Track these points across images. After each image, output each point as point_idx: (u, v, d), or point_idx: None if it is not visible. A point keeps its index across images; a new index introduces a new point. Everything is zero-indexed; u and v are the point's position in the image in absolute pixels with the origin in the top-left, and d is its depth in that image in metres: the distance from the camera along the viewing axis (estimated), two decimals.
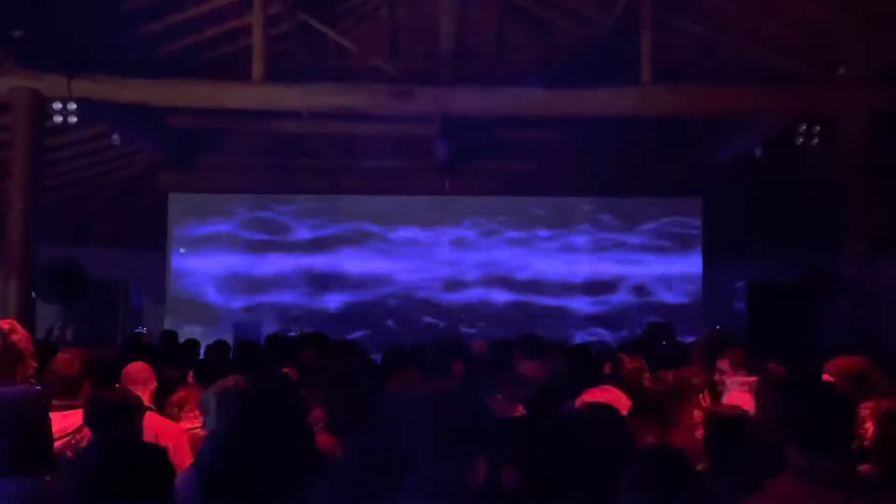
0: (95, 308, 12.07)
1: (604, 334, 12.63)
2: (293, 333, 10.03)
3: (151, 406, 4.22)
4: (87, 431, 3.53)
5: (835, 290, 8.96)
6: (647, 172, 12.55)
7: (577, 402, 3.53)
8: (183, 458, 3.73)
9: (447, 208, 13.22)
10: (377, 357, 6.31)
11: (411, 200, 13.18)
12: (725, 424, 3.30)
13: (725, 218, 12.33)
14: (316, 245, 13.11)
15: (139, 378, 4.34)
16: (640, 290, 12.30)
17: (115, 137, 10.37)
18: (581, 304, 13.05)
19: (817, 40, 9.00)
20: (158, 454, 2.54)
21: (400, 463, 1.98)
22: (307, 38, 11.04)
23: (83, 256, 12.07)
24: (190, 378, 5.29)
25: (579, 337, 12.28)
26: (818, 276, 9.52)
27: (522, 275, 13.09)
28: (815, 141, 9.22)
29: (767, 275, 12.25)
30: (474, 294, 13.07)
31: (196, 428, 4.18)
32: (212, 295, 12.98)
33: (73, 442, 3.53)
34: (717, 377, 4.85)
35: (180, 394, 4.56)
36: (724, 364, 4.87)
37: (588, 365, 5.67)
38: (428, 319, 12.66)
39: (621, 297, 12.99)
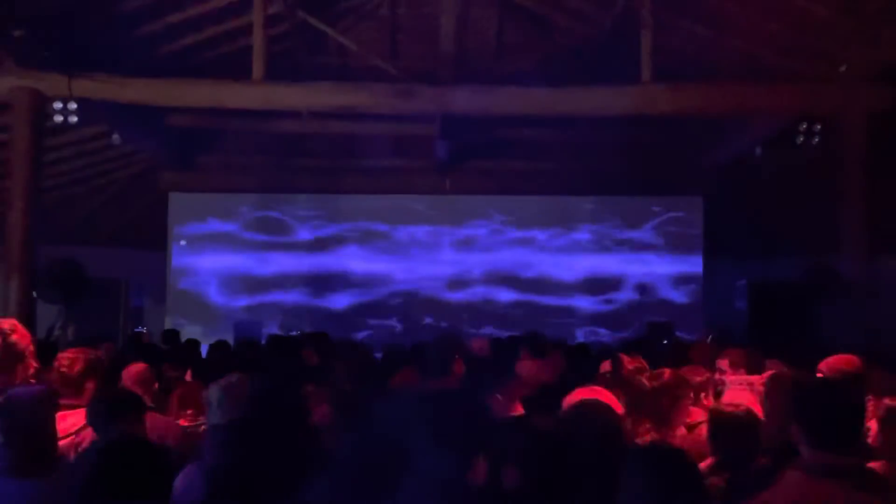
0: (96, 308, 12.07)
1: (604, 333, 12.63)
2: (294, 333, 10.04)
3: (153, 406, 4.22)
4: (88, 432, 3.53)
5: (835, 289, 8.96)
6: (648, 172, 12.55)
7: (565, 403, 3.54)
8: (186, 458, 3.74)
9: (448, 208, 13.22)
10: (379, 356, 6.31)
11: (412, 200, 13.18)
12: (731, 421, 3.30)
13: (726, 217, 12.33)
14: (317, 245, 13.12)
15: (140, 378, 4.35)
16: (640, 289, 12.30)
17: (116, 137, 10.37)
18: (581, 304, 13.06)
19: (817, 40, 8.99)
20: (159, 454, 2.54)
21: (399, 462, 1.98)
22: (307, 37, 11.04)
23: (84, 256, 12.08)
24: (188, 377, 5.29)
25: (580, 336, 12.30)
26: (818, 275, 9.52)
27: (523, 274, 13.10)
28: (816, 140, 9.22)
29: (768, 274, 12.25)
30: (476, 293, 13.07)
31: (198, 426, 4.18)
32: (212, 294, 12.99)
33: (76, 442, 3.54)
34: (716, 377, 4.86)
35: (181, 393, 4.57)
36: (723, 364, 4.87)
37: (585, 364, 5.68)
38: (431, 319, 12.66)
39: (622, 296, 12.99)
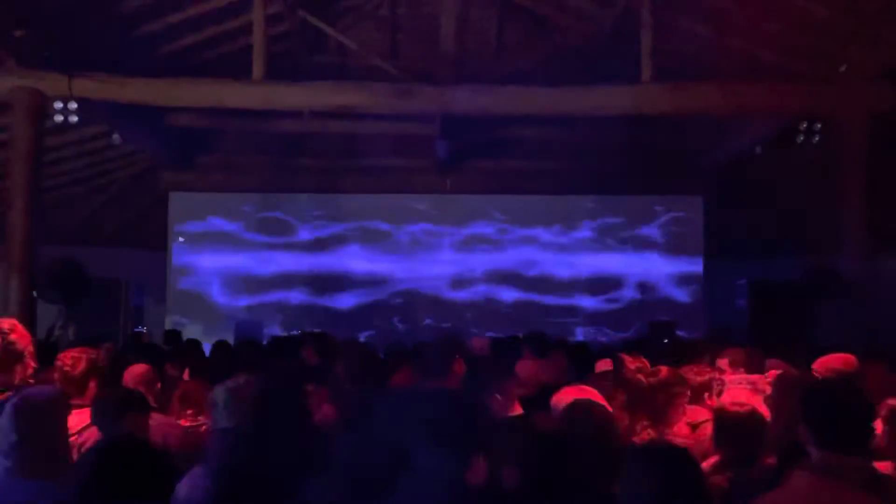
0: (96, 307, 12.08)
1: (605, 333, 12.63)
2: (295, 332, 10.03)
3: (156, 406, 4.22)
4: (91, 432, 3.54)
5: (835, 289, 8.96)
6: (648, 171, 12.55)
7: (554, 401, 3.56)
8: (189, 458, 3.74)
9: (449, 207, 13.23)
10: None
11: (413, 199, 13.18)
12: (735, 420, 3.30)
13: (726, 216, 12.34)
14: (317, 244, 13.12)
15: (142, 378, 4.34)
16: (641, 288, 12.30)
17: (116, 137, 10.38)
18: (582, 303, 13.06)
19: (817, 40, 9.00)
20: (158, 455, 2.54)
21: (398, 462, 1.98)
22: (307, 37, 11.04)
23: (84, 256, 12.09)
24: (185, 376, 5.29)
25: (580, 335, 12.30)
26: (818, 275, 9.52)
27: (524, 274, 13.10)
28: (816, 140, 9.22)
29: (768, 273, 12.26)
30: (477, 293, 13.07)
31: (198, 426, 4.18)
32: (213, 294, 12.99)
33: (79, 443, 3.54)
34: (716, 376, 4.86)
35: (181, 393, 4.57)
36: (723, 363, 4.87)
37: (585, 364, 5.68)
38: (432, 318, 12.66)
39: (622, 295, 12.99)
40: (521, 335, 7.99)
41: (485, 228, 13.19)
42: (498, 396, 3.75)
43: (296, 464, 2.80)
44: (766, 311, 12.04)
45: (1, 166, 9.45)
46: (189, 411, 4.36)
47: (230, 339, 10.27)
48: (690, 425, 4.06)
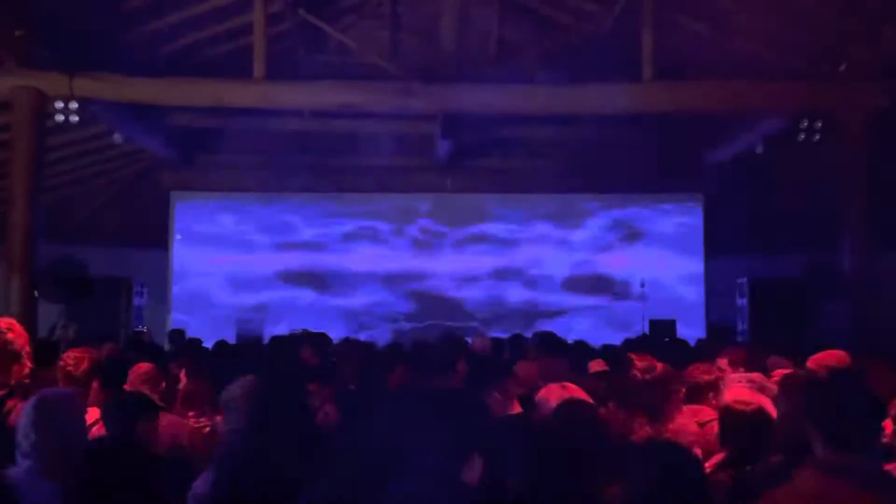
0: (98, 307, 12.11)
1: (606, 331, 12.62)
2: (295, 332, 10.03)
3: (163, 405, 4.21)
4: (94, 431, 3.54)
5: (835, 286, 8.97)
6: (649, 170, 12.56)
7: (539, 397, 3.58)
8: (199, 458, 3.74)
9: (451, 207, 13.23)
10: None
11: (414, 198, 13.19)
12: (741, 418, 3.31)
13: (727, 214, 12.34)
14: (318, 243, 13.13)
15: (148, 378, 4.32)
16: (641, 286, 12.30)
17: (117, 136, 10.37)
18: (582, 301, 13.06)
19: (818, 37, 9.00)
20: (150, 459, 2.54)
21: (396, 461, 1.99)
22: (308, 36, 11.03)
23: (85, 255, 12.13)
24: (182, 375, 5.28)
25: (581, 334, 12.28)
26: (819, 272, 9.53)
27: (524, 272, 13.10)
28: (817, 137, 9.22)
29: (769, 271, 12.26)
30: (478, 292, 13.08)
31: (201, 427, 4.18)
32: (214, 293, 12.99)
33: None
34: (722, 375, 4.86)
35: (183, 394, 4.56)
36: (722, 362, 4.88)
37: (584, 362, 5.69)
38: (433, 317, 12.65)
39: (623, 293, 12.99)
40: (521, 334, 7.99)
41: (486, 228, 13.19)
42: (496, 395, 3.75)
43: (298, 463, 2.80)
44: (767, 310, 12.04)
45: (2, 166, 9.45)
46: (191, 413, 4.36)
47: (232, 338, 10.31)
48: (699, 424, 4.06)
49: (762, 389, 4.25)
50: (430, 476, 1.96)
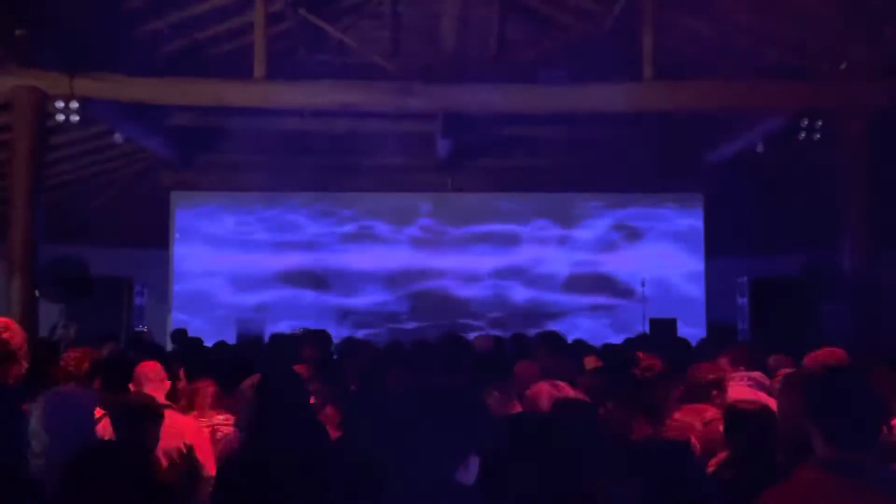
0: (99, 306, 12.11)
1: (606, 330, 12.63)
2: (296, 331, 10.03)
3: (168, 404, 4.21)
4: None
5: (836, 286, 8.97)
6: (649, 169, 12.56)
7: (530, 394, 3.59)
8: (206, 456, 3.75)
9: (451, 206, 13.23)
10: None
11: (415, 198, 13.19)
12: (746, 416, 3.31)
13: (727, 214, 12.34)
14: (319, 243, 13.12)
15: (154, 377, 4.31)
16: (642, 285, 12.30)
17: (117, 136, 10.38)
18: (583, 301, 13.06)
19: (819, 36, 9.00)
20: (144, 462, 2.54)
21: (394, 461, 1.99)
22: (308, 35, 11.04)
23: (86, 255, 12.13)
24: (182, 374, 5.28)
25: (581, 333, 12.28)
26: (819, 272, 9.52)
27: (525, 271, 13.10)
28: (817, 136, 9.21)
29: (769, 270, 12.27)
30: (479, 291, 13.07)
31: (205, 426, 4.19)
32: (215, 293, 12.99)
33: None
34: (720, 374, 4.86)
35: (190, 392, 4.56)
36: (723, 361, 4.88)
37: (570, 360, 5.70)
38: (434, 317, 12.64)
39: (624, 292, 12.99)
40: (522, 333, 7.99)
41: (486, 227, 13.19)
42: (496, 393, 3.76)
43: (298, 462, 2.81)
44: (767, 309, 12.04)
45: (2, 166, 9.45)
46: (193, 413, 4.36)
47: (233, 338, 10.32)
48: (703, 423, 4.07)
49: (764, 388, 4.27)
50: (427, 477, 1.96)
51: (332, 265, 13.06)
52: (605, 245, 13.18)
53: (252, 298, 12.91)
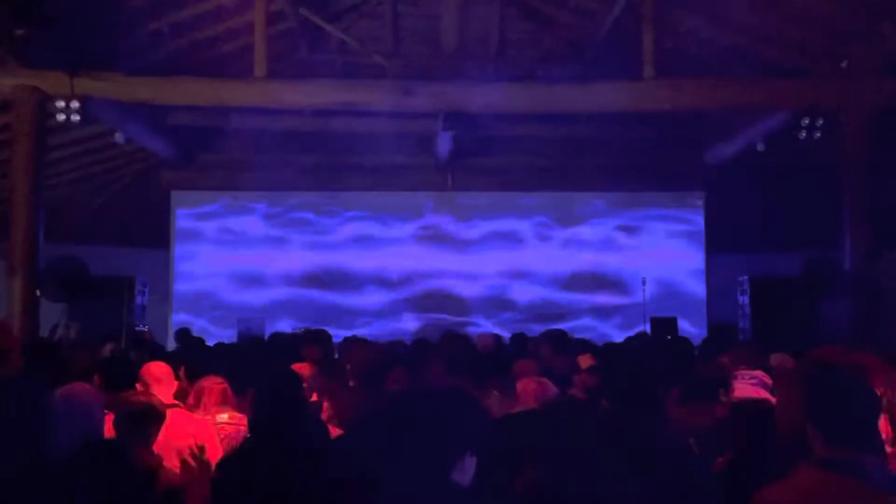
0: (100, 306, 12.11)
1: (607, 329, 12.64)
2: (297, 331, 10.04)
3: (178, 403, 4.21)
4: None
5: (837, 284, 8.96)
6: (650, 167, 12.56)
7: (520, 390, 3.60)
8: (216, 455, 3.75)
9: (451, 205, 13.23)
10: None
11: (416, 197, 13.18)
12: (749, 415, 3.32)
13: (728, 212, 12.35)
14: (320, 242, 13.12)
15: (162, 376, 4.30)
16: (643, 283, 12.30)
17: (118, 135, 10.38)
18: (584, 299, 13.06)
19: (820, 35, 8.99)
20: (126, 463, 2.54)
21: (392, 459, 2.00)
22: (309, 34, 11.04)
23: (87, 254, 12.13)
24: (182, 374, 5.28)
25: (581, 332, 12.29)
26: (820, 270, 9.52)
27: (525, 271, 13.09)
28: (818, 135, 9.21)
29: (770, 268, 12.26)
30: (480, 290, 13.07)
31: (220, 423, 4.19)
32: (216, 292, 12.99)
33: None
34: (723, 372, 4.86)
35: (197, 390, 4.55)
36: (723, 360, 4.88)
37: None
38: (435, 316, 12.65)
39: (624, 291, 12.99)
40: (523, 332, 7.99)
41: (487, 226, 13.19)
42: (495, 392, 3.76)
43: (297, 461, 2.81)
44: (768, 307, 12.04)
45: (3, 166, 9.46)
46: (198, 411, 4.36)
47: (234, 337, 10.32)
48: (709, 421, 4.06)
49: (767, 387, 4.26)
50: (424, 477, 1.96)
51: (332, 264, 13.05)
52: (606, 244, 13.17)
53: (252, 298, 12.91)
